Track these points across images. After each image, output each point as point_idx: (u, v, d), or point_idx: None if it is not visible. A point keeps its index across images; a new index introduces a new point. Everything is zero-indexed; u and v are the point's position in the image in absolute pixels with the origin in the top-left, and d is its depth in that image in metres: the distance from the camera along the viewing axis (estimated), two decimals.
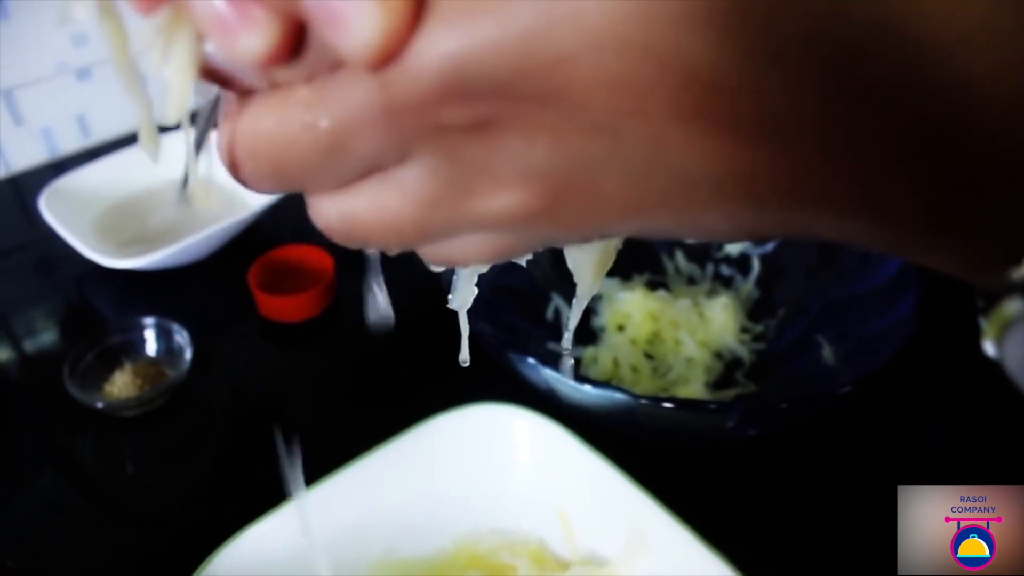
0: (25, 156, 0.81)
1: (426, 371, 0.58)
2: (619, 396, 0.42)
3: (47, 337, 0.66)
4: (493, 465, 0.46)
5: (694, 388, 0.52)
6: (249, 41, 0.14)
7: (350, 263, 0.70)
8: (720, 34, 0.13)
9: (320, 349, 0.63)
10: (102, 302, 0.68)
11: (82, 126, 0.83)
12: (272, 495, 0.42)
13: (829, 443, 0.53)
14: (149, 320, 0.58)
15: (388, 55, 0.13)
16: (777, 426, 0.46)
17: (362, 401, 0.58)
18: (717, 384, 0.55)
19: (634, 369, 0.55)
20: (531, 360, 0.43)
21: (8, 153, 0.80)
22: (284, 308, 0.62)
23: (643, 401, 0.41)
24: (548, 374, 0.43)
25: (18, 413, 0.58)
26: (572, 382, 0.42)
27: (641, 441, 0.47)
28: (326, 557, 0.42)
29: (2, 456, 0.54)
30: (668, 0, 0.13)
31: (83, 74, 0.81)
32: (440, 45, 0.13)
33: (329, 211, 0.17)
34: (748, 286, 0.61)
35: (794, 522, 0.49)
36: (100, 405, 0.53)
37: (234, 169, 0.17)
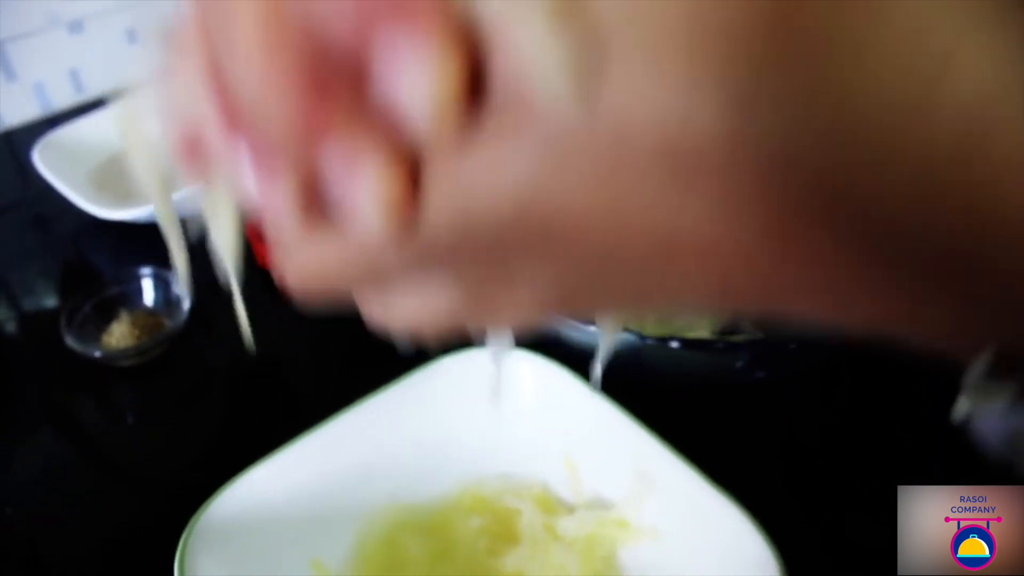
0: (18, 112, 0.80)
1: None
2: (626, 336, 0.41)
3: (44, 293, 0.65)
4: (497, 409, 0.45)
5: (702, 334, 0.51)
6: (276, 197, 0.15)
7: None
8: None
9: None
10: (99, 256, 0.67)
11: (75, 81, 0.81)
12: (273, 442, 0.42)
13: (839, 390, 0.52)
14: (146, 270, 0.57)
15: (396, 224, 0.15)
16: (786, 370, 0.45)
17: (364, 348, 0.57)
18: (724, 332, 0.54)
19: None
20: None
21: (0, 109, 0.79)
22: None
23: (649, 341, 0.40)
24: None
25: (16, 368, 0.57)
26: (577, 322, 0.41)
27: (647, 384, 0.46)
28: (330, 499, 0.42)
29: (2, 411, 0.54)
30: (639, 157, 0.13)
31: (75, 27, 0.79)
32: (442, 212, 0.15)
33: (374, 309, 0.20)
34: None
35: (802, 467, 0.48)
36: (98, 354, 0.53)
37: (288, 293, 0.20)
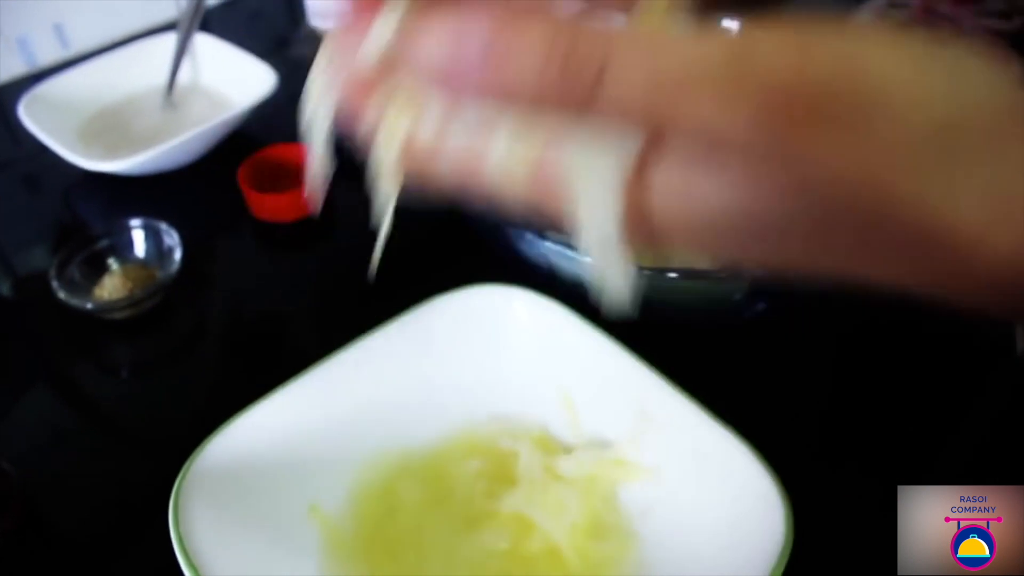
0: (3, 70, 0.78)
1: (425, 259, 0.56)
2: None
3: (36, 250, 0.64)
4: (493, 348, 0.44)
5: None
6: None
7: (341, 162, 0.67)
8: None
9: (313, 248, 0.61)
10: (90, 212, 0.66)
11: (60, 36, 0.79)
12: (268, 392, 0.41)
13: (843, 328, 0.51)
14: (136, 221, 0.56)
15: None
16: (788, 302, 0.44)
17: (358, 294, 0.56)
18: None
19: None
20: (531, 234, 0.41)
21: None
22: (276, 207, 0.60)
23: (646, 271, 0.39)
24: (548, 247, 0.41)
25: (9, 326, 0.56)
26: (572, 252, 0.40)
27: (646, 318, 0.44)
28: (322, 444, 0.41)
29: None
30: None
31: None
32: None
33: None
34: None
35: (805, 402, 0.47)
36: (89, 306, 0.52)
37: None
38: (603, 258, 0.19)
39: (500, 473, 0.42)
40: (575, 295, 0.43)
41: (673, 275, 0.39)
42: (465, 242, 0.51)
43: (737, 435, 0.37)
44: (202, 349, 0.54)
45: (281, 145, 0.63)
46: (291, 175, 0.61)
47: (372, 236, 0.62)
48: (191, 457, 0.38)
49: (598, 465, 0.41)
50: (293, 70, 0.80)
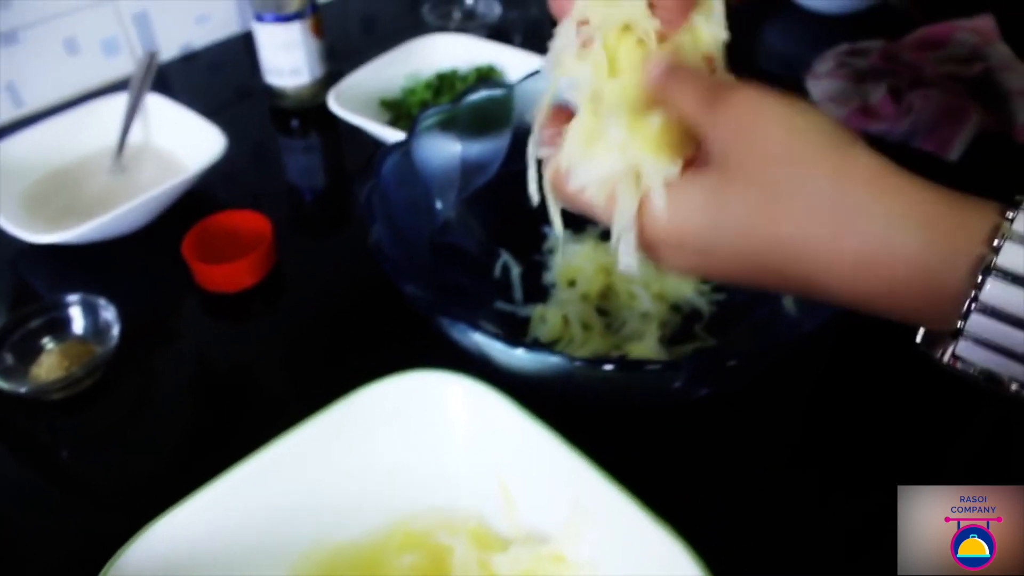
0: None
1: (368, 339, 0.55)
2: (554, 360, 0.38)
3: None
4: (428, 437, 0.43)
5: (648, 345, 0.49)
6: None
7: (290, 225, 0.66)
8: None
9: (258, 320, 0.60)
10: (39, 280, 0.65)
11: (13, 94, 0.79)
12: (207, 472, 0.40)
13: (795, 405, 0.50)
14: (73, 297, 0.55)
15: None
16: (732, 384, 0.43)
17: (301, 372, 0.55)
18: (674, 339, 0.52)
19: (585, 326, 0.52)
20: (460, 325, 0.40)
21: None
22: (220, 277, 0.59)
23: (579, 363, 0.38)
24: (478, 339, 0.40)
25: None
26: (502, 346, 0.39)
27: (587, 405, 0.44)
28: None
29: None
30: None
31: (8, 39, 0.76)
32: None
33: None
34: None
35: (751, 494, 0.46)
36: (23, 391, 0.51)
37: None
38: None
39: (434, 569, 0.41)
40: (514, 381, 0.42)
41: (608, 367, 0.38)
42: (407, 324, 0.50)
43: (670, 531, 0.36)
44: (142, 427, 0.53)
45: (227, 212, 0.62)
46: (238, 242, 0.60)
47: (320, 303, 0.61)
48: (110, 561, 0.37)
49: (535, 561, 0.40)
50: (248, 127, 0.80)
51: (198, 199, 0.67)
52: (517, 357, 0.39)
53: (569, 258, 0.54)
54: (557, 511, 0.40)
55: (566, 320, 0.51)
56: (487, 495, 0.42)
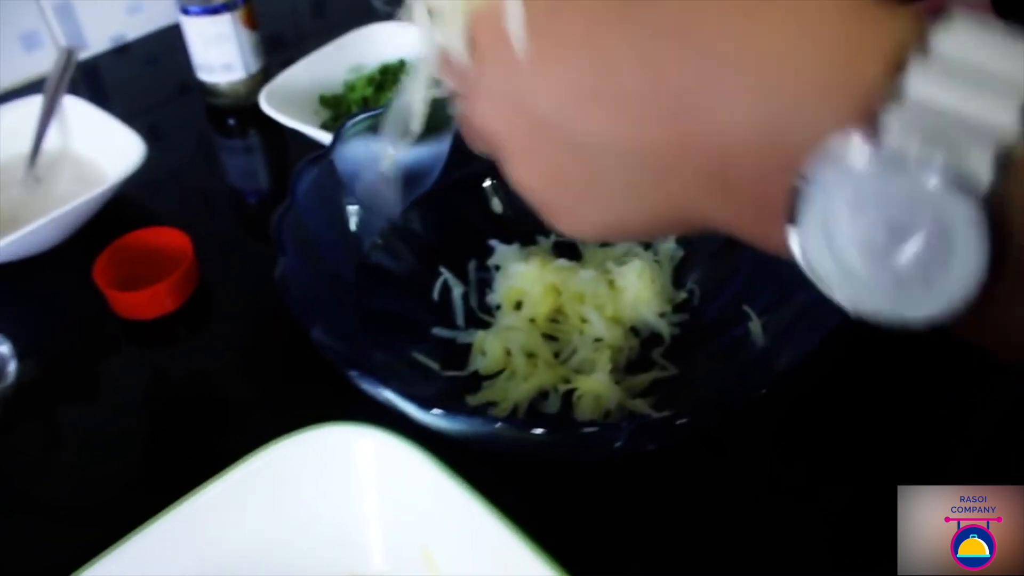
0: None
1: (297, 368, 0.50)
2: (473, 423, 0.33)
3: None
4: (338, 499, 0.38)
5: (599, 378, 0.44)
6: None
7: (218, 239, 0.61)
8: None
9: (180, 348, 0.55)
10: None
11: None
12: (118, 527, 0.36)
13: (757, 454, 0.45)
14: None
15: None
16: (686, 437, 0.38)
17: (227, 407, 0.50)
18: (631, 367, 0.47)
19: (530, 356, 0.47)
20: (369, 379, 0.35)
21: None
22: (136, 304, 0.53)
23: (501, 426, 0.33)
24: (389, 396, 0.35)
25: None
26: (413, 406, 0.34)
27: (519, 462, 0.39)
28: None
29: None
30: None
31: None
32: None
33: None
34: (670, 244, 0.52)
35: (698, 556, 0.41)
36: None
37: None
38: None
39: None
40: (429, 437, 0.37)
41: (538, 431, 0.33)
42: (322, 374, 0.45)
43: None
44: (43, 482, 0.48)
45: (144, 231, 0.56)
46: (157, 263, 0.55)
47: (249, 328, 0.55)
48: None
49: None
50: (184, 127, 0.74)
51: (121, 211, 0.61)
52: (432, 417, 0.34)
53: (514, 278, 0.49)
54: None
55: (508, 352, 0.46)
56: (407, 564, 0.38)
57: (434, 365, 0.47)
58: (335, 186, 0.48)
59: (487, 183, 0.55)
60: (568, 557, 0.33)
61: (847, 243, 0.21)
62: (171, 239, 0.56)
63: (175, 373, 0.53)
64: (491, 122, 0.29)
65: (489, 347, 0.46)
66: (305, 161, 0.47)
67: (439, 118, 0.52)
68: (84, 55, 0.80)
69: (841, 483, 0.42)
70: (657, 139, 0.24)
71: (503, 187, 0.54)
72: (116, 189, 0.58)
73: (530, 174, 0.29)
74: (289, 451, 0.38)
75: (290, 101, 0.65)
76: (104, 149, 0.63)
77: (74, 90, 0.67)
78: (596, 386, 0.44)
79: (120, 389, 0.52)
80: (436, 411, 0.34)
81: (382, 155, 0.51)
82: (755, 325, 0.44)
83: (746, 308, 0.45)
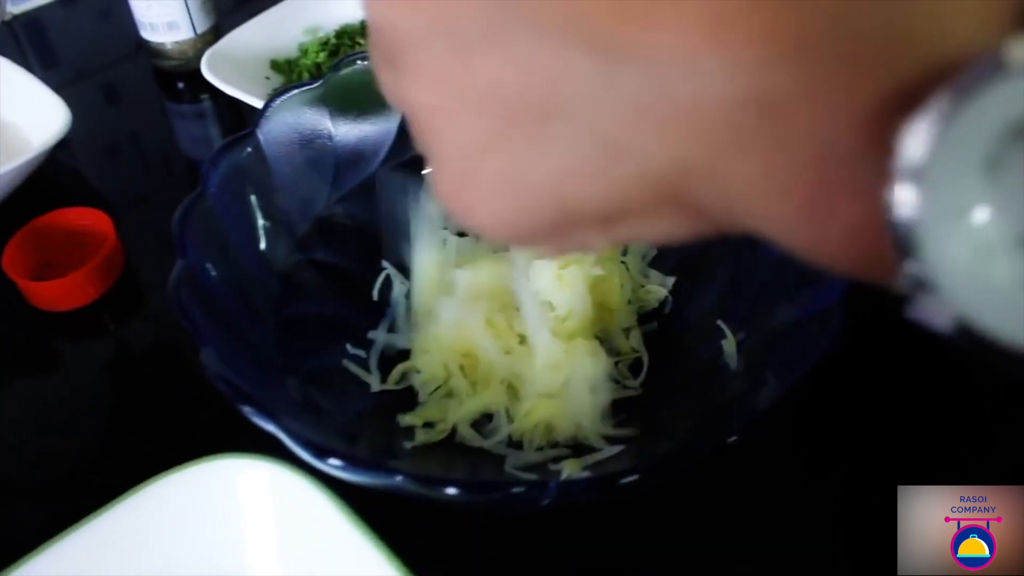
0: None
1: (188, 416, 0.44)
2: (372, 475, 0.28)
3: None
4: (234, 538, 0.33)
5: (550, 403, 0.39)
6: None
7: (148, 222, 0.55)
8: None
9: (105, 342, 0.50)
10: None
11: None
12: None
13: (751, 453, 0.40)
14: None
15: None
16: (621, 493, 0.32)
17: (161, 407, 0.45)
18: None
19: (471, 361, 0.41)
20: (261, 416, 0.30)
21: None
22: (53, 294, 0.48)
23: (401, 479, 0.28)
24: (282, 437, 0.30)
25: None
26: (309, 455, 0.29)
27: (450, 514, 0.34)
28: None
29: None
30: None
31: None
32: None
33: None
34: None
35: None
36: None
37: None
38: None
39: None
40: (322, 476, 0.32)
41: (452, 491, 0.28)
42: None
43: None
44: None
45: (61, 211, 0.51)
46: (78, 247, 0.50)
47: (169, 331, 0.49)
48: None
49: None
50: (131, 91, 0.68)
51: (45, 188, 0.56)
52: (331, 468, 0.29)
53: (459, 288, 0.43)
54: None
55: (446, 368, 0.41)
56: None
57: (368, 375, 0.42)
58: (262, 171, 0.43)
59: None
60: None
61: (998, 223, 0.13)
62: (91, 220, 0.51)
63: (106, 363, 0.48)
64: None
65: (423, 364, 0.41)
66: (224, 143, 0.41)
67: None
68: (24, 6, 0.74)
69: (840, 482, 0.41)
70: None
71: None
72: (38, 162, 0.53)
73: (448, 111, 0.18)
74: (170, 488, 0.33)
75: (238, 65, 0.59)
76: (31, 116, 0.58)
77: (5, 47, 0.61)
78: (550, 410, 0.39)
79: (39, 384, 0.48)
80: (333, 461, 0.28)
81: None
82: (729, 344, 0.39)
83: (720, 323, 0.40)
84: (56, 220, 0.50)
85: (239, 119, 0.65)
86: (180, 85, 0.67)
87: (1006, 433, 0.43)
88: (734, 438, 0.30)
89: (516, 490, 0.28)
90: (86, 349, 0.50)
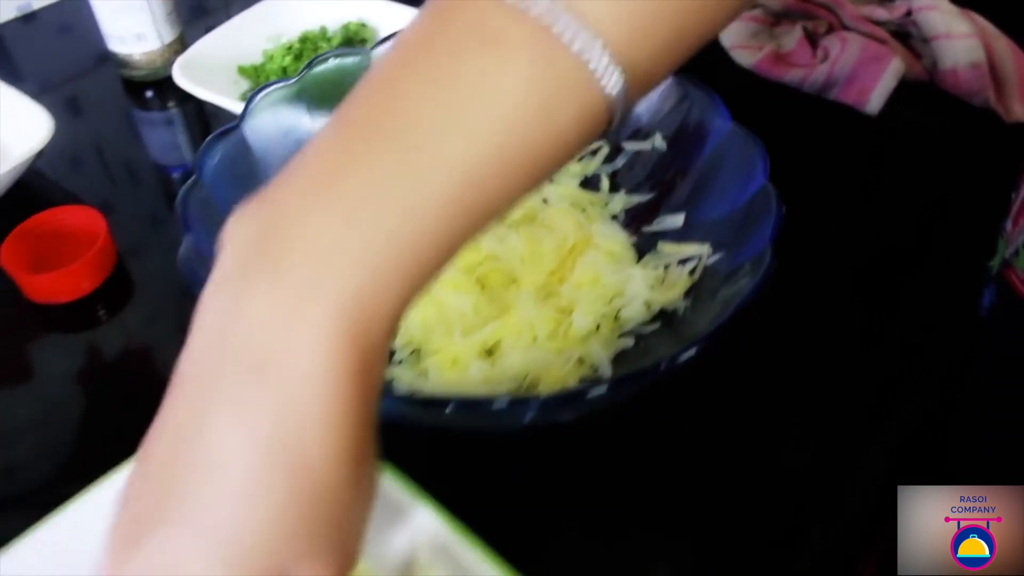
0: None
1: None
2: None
3: None
4: None
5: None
6: None
7: (138, 216, 0.59)
8: None
9: (102, 332, 0.53)
10: None
11: None
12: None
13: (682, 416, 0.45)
14: None
15: None
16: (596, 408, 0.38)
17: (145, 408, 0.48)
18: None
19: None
20: None
21: None
22: (50, 286, 0.51)
23: (388, 400, 0.32)
24: None
25: None
26: None
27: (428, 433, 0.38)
28: None
29: None
30: None
31: None
32: None
33: None
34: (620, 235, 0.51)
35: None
36: None
37: None
38: None
39: None
40: None
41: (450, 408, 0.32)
42: None
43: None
44: None
45: (55, 210, 0.54)
46: (71, 244, 0.53)
47: (173, 307, 0.52)
48: None
49: None
50: (98, 101, 0.71)
51: (32, 191, 0.59)
52: None
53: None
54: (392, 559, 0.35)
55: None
56: None
57: None
58: (248, 160, 0.47)
59: None
60: (487, 530, 0.34)
61: None
62: (84, 218, 0.54)
63: (101, 354, 0.51)
64: None
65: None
66: (212, 135, 0.45)
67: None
68: None
69: (840, 482, 0.41)
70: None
71: None
72: (23, 169, 0.56)
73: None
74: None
75: (207, 72, 0.63)
76: (10, 125, 0.60)
77: None
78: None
79: (38, 374, 0.51)
80: None
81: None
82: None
83: None
84: (50, 219, 0.54)
85: (206, 124, 0.69)
86: (149, 94, 0.70)
87: (1006, 433, 0.44)
88: (690, 352, 0.35)
89: (498, 407, 0.33)
90: (81, 339, 0.53)
